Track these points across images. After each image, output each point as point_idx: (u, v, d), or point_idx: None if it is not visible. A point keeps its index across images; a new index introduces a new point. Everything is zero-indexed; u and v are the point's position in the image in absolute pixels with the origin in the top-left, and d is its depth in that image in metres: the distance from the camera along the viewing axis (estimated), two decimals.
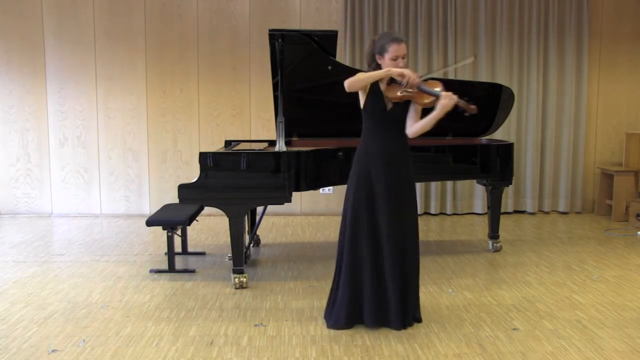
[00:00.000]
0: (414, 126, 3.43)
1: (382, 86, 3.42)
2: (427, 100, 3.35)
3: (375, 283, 3.40)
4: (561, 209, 7.13)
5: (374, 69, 3.40)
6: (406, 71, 3.24)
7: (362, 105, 3.44)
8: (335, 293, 3.53)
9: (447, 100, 3.26)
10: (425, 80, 3.44)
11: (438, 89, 3.34)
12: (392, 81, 3.41)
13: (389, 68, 3.30)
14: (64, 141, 6.91)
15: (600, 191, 6.99)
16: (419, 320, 3.56)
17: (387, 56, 3.33)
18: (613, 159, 7.20)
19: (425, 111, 3.43)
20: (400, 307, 3.40)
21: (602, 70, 7.12)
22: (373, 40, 3.46)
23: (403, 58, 3.34)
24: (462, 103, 3.33)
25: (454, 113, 5.47)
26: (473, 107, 3.36)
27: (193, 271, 4.67)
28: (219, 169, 4.12)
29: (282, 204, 4.19)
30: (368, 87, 3.38)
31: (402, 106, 3.40)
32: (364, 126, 3.48)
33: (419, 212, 6.91)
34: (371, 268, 3.39)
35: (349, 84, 3.32)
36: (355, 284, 3.44)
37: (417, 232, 3.50)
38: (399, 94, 3.36)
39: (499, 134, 6.43)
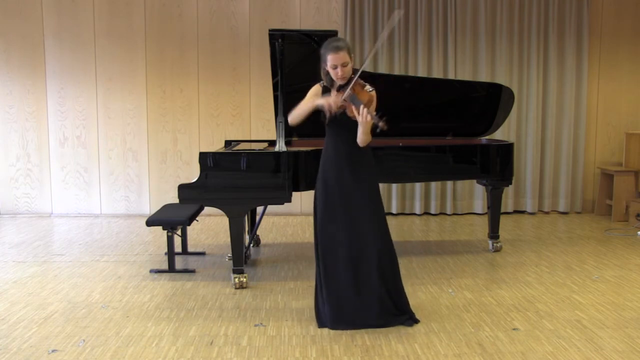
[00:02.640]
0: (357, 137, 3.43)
1: (333, 92, 3.45)
2: (354, 112, 3.32)
3: (334, 284, 3.45)
4: (561, 209, 7.13)
5: (325, 75, 3.46)
6: (324, 101, 3.30)
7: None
8: (316, 295, 3.58)
9: (362, 119, 3.26)
10: (356, 83, 3.37)
11: (365, 99, 3.31)
12: (340, 88, 3.41)
13: (313, 99, 3.41)
14: (64, 141, 6.91)
15: (600, 191, 6.98)
16: (417, 320, 3.56)
17: (327, 65, 3.37)
18: (613, 159, 7.20)
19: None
20: (354, 310, 3.44)
21: (602, 70, 7.12)
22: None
23: (343, 66, 3.32)
24: (375, 120, 3.24)
25: (452, 112, 5.49)
26: (382, 124, 3.19)
27: (193, 271, 4.67)
28: (219, 169, 4.13)
29: (282, 204, 4.20)
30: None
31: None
32: (326, 133, 3.56)
33: (419, 212, 6.96)
34: (332, 270, 3.45)
35: (290, 121, 3.50)
36: (327, 285, 3.49)
37: (386, 233, 3.52)
38: (342, 99, 3.36)
39: (499, 134, 6.43)
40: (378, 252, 3.46)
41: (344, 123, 3.41)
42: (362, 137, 3.38)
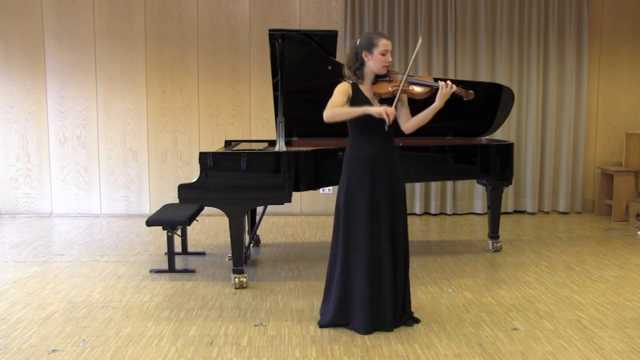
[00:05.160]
0: (411, 121, 3.46)
1: (366, 87, 3.43)
2: (422, 91, 3.38)
3: (373, 284, 3.39)
4: (561, 209, 7.13)
5: (356, 70, 3.41)
6: (382, 110, 3.21)
7: None
8: (328, 293, 3.55)
9: (446, 89, 3.31)
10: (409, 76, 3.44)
11: (429, 80, 3.38)
12: (377, 79, 3.43)
13: (366, 107, 3.29)
14: (64, 141, 6.91)
15: (600, 191, 6.99)
16: (417, 320, 3.57)
17: (376, 51, 3.34)
18: (613, 159, 7.20)
19: (412, 106, 3.47)
20: (392, 310, 3.43)
21: (602, 70, 7.12)
22: (354, 42, 3.46)
23: (391, 54, 3.40)
24: (458, 90, 3.37)
25: (452, 112, 5.48)
26: (471, 92, 3.40)
27: (193, 271, 4.67)
28: (219, 169, 4.13)
29: (282, 204, 4.20)
30: (351, 94, 3.39)
31: (389, 104, 3.38)
32: (350, 129, 3.48)
33: (419, 212, 6.96)
34: (367, 269, 3.39)
35: (328, 118, 3.32)
36: (346, 285, 3.45)
37: (407, 232, 3.52)
38: (390, 89, 3.37)
39: (499, 134, 6.43)
40: (405, 252, 3.47)
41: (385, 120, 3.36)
42: (429, 116, 3.37)
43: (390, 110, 3.22)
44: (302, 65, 4.64)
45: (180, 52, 6.84)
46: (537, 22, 6.89)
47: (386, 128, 3.27)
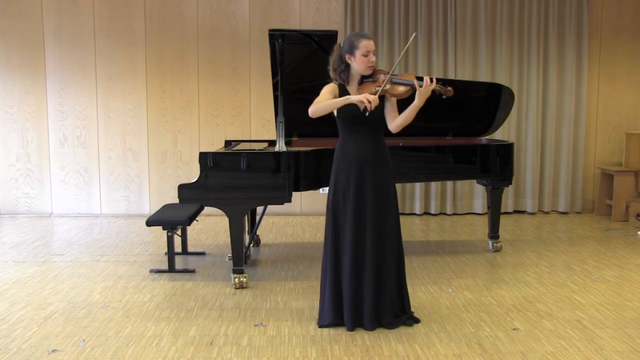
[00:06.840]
0: (395, 120, 3.44)
1: (352, 88, 3.45)
2: (403, 90, 3.37)
3: (354, 284, 3.41)
4: (561, 209, 7.13)
5: (341, 72, 3.42)
6: (363, 97, 3.21)
7: (335, 113, 3.45)
8: (323, 293, 3.55)
9: (424, 87, 3.29)
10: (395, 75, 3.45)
11: (412, 79, 3.37)
12: (363, 80, 3.44)
13: (347, 96, 3.30)
14: (64, 141, 6.91)
15: (600, 191, 6.98)
16: (417, 320, 3.57)
17: (358, 52, 3.35)
18: (613, 159, 7.20)
19: (401, 105, 3.47)
20: (373, 309, 3.43)
21: (602, 69, 7.12)
22: (338, 44, 3.46)
23: (374, 54, 3.38)
24: (438, 87, 3.36)
25: (452, 112, 5.48)
26: (449, 89, 3.39)
27: (193, 271, 4.67)
28: (219, 169, 4.13)
29: (282, 204, 4.20)
30: (337, 94, 3.41)
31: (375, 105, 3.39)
32: (340, 129, 3.50)
33: (419, 212, 6.96)
34: (351, 269, 3.41)
35: (312, 112, 3.35)
36: (337, 285, 3.46)
37: (398, 231, 3.53)
38: (373, 90, 3.37)
39: (499, 134, 6.43)
40: (395, 251, 3.47)
41: (372, 119, 3.36)
42: (412, 114, 3.34)
43: (372, 97, 3.21)
44: (302, 65, 4.64)
45: (180, 52, 6.84)
46: (537, 22, 6.89)
47: (367, 114, 3.25)
